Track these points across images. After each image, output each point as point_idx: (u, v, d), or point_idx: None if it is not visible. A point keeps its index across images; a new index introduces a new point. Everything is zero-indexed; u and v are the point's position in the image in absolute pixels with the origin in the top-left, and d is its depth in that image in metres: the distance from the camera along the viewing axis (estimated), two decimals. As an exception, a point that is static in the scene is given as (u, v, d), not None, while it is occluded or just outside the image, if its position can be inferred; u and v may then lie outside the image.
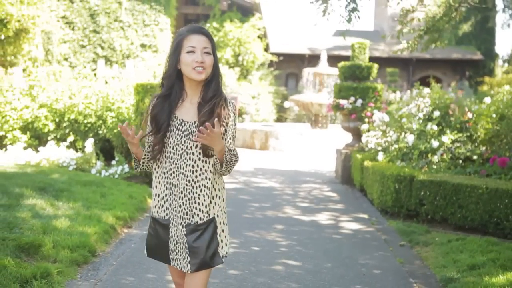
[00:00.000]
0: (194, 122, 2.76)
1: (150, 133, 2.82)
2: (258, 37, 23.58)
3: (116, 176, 8.99)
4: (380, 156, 8.62)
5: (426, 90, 9.51)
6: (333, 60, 20.98)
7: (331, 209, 8.00)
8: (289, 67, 28.47)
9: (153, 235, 2.89)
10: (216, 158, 2.77)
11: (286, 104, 23.20)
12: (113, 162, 9.60)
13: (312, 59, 26.31)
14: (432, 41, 9.57)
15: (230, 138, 2.81)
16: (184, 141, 2.76)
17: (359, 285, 4.74)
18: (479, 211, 6.45)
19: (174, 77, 2.80)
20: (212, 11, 22.97)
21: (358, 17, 6.90)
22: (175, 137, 2.77)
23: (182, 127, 2.77)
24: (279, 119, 24.80)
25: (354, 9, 6.92)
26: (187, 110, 2.81)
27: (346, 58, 11.00)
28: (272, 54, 25.29)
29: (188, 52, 2.74)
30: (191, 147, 2.75)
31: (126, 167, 9.18)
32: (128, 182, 8.64)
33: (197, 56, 2.72)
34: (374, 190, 8.09)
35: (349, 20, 6.94)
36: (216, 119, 2.61)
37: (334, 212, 7.82)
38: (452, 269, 5.00)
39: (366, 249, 5.91)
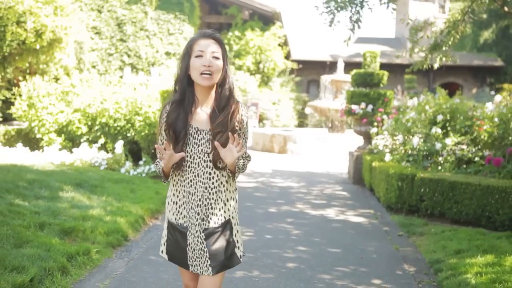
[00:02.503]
0: (210, 130, 2.76)
1: (169, 142, 2.75)
2: (279, 45, 24.32)
3: (144, 175, 9.80)
4: (387, 157, 9.28)
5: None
6: (354, 66, 21.57)
7: (340, 205, 8.68)
8: (311, 74, 29.10)
9: (172, 240, 2.89)
10: (228, 169, 2.81)
11: (307, 110, 23.87)
12: (141, 162, 10.42)
13: (333, 66, 26.92)
14: (443, 55, 10.19)
15: (242, 141, 2.80)
16: (201, 150, 2.76)
17: (356, 265, 5.42)
18: (473, 206, 7.09)
19: (185, 82, 2.77)
20: (234, 20, 23.78)
21: (359, 26, 7.62)
22: (192, 146, 2.76)
23: (198, 136, 2.76)
24: (300, 125, 25.46)
25: (357, 20, 7.65)
26: (201, 118, 2.79)
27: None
28: (294, 61, 26.01)
29: (197, 56, 2.71)
30: (208, 155, 2.76)
31: (153, 167, 9.98)
32: (154, 180, 9.42)
33: (204, 60, 2.69)
34: (380, 188, 8.74)
35: (352, 30, 7.68)
36: (231, 134, 2.66)
37: (343, 207, 8.51)
38: (440, 253, 5.67)
39: (367, 238, 6.60)
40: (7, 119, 15.19)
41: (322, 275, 5.06)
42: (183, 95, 2.78)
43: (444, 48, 9.91)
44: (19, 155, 10.50)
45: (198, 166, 2.77)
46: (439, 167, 8.49)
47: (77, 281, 4.59)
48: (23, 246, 4.84)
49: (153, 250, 5.65)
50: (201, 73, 2.69)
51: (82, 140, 11.39)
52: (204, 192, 2.78)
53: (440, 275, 5.07)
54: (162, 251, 2.97)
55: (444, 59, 10.22)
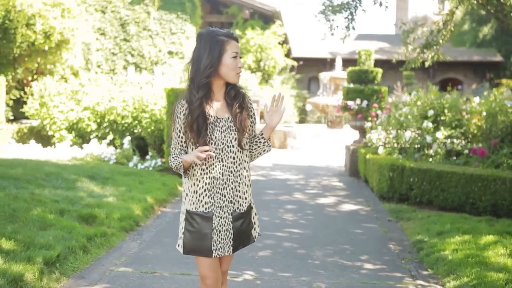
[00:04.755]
0: (228, 118, 3.01)
1: (191, 138, 2.97)
2: (279, 43, 24.83)
3: (150, 168, 10.38)
4: (381, 150, 9.84)
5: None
6: (354, 63, 22.02)
7: (335, 195, 9.25)
8: (311, 71, 29.56)
9: (192, 230, 3.00)
10: (263, 137, 3.15)
11: (308, 106, 24.39)
12: (147, 157, 11.00)
13: (333, 63, 27.42)
14: (434, 54, 10.72)
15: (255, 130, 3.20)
16: (224, 136, 2.97)
17: (346, 245, 6.00)
18: (457, 193, 7.66)
19: (211, 77, 2.97)
20: (235, 20, 24.27)
21: (354, 28, 8.24)
22: (216, 133, 2.96)
23: (219, 123, 2.98)
24: (302, 121, 25.96)
25: (352, 20, 8.26)
26: (217, 108, 3.02)
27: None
28: (294, 59, 26.51)
29: (233, 57, 2.96)
30: (230, 140, 2.98)
31: (159, 161, 10.56)
32: (161, 173, 9.99)
33: (239, 62, 2.99)
34: (373, 179, 9.30)
35: (347, 27, 8.31)
36: (282, 97, 3.08)
37: (338, 197, 9.08)
38: (424, 235, 6.23)
39: (358, 223, 7.17)
40: (17, 117, 15.76)
41: (314, 253, 5.64)
42: (206, 89, 2.98)
43: (435, 47, 10.45)
44: (32, 151, 11.10)
45: (222, 152, 2.98)
46: (430, 159, 9.04)
47: (96, 259, 5.18)
48: (47, 229, 5.41)
49: (163, 234, 6.23)
50: (237, 73, 3.01)
51: (91, 136, 11.97)
52: (229, 175, 2.99)
53: (421, 253, 5.64)
54: (178, 245, 3.10)
55: (436, 57, 10.75)
